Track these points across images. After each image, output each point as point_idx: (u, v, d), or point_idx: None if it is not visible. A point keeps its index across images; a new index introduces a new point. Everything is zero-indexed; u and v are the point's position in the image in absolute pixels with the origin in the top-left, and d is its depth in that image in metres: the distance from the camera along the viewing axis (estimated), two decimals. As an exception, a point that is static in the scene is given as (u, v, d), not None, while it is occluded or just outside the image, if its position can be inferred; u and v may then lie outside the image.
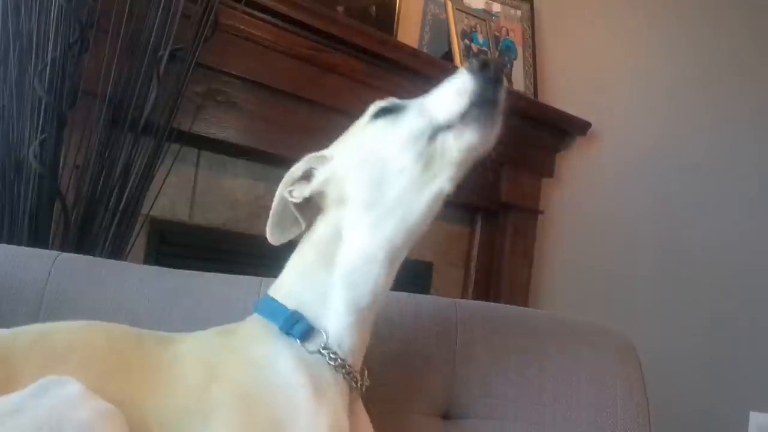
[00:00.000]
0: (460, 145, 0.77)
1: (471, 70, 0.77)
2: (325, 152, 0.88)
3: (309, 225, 0.87)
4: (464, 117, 0.76)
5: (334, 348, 0.81)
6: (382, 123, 0.83)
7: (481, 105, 0.76)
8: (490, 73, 0.76)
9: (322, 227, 0.84)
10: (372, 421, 0.87)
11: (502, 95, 0.77)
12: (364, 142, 0.83)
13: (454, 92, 0.77)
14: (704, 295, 2.80)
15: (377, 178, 0.79)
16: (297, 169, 0.87)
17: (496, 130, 0.78)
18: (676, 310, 2.78)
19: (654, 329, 2.58)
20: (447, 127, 0.77)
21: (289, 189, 0.86)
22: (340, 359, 0.80)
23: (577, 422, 1.02)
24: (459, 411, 1.03)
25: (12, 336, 0.76)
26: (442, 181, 0.78)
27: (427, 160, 0.78)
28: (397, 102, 0.85)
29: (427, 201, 0.79)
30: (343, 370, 0.80)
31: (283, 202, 0.86)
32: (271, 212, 0.87)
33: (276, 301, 0.84)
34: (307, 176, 0.86)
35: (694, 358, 2.76)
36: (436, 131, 0.78)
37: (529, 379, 1.04)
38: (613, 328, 1.14)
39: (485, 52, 2.41)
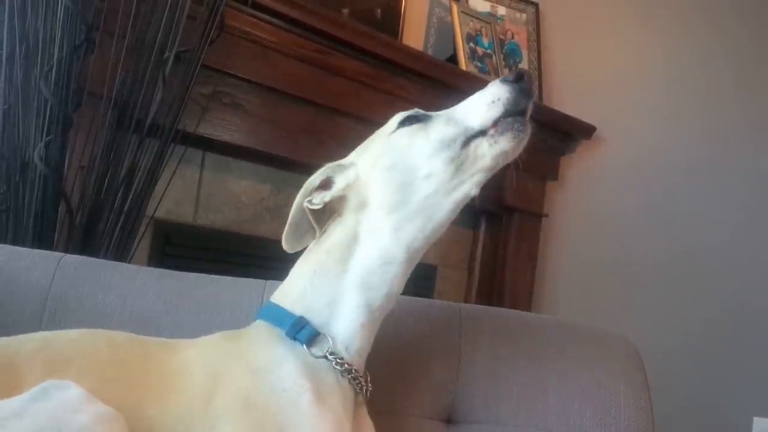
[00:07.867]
0: (495, 151, 0.79)
1: (506, 81, 0.80)
2: (343, 161, 0.88)
3: (323, 232, 0.86)
4: (498, 124, 0.79)
5: (341, 351, 0.81)
6: (410, 129, 0.83)
7: (514, 114, 0.79)
8: (525, 84, 0.79)
9: (338, 231, 0.85)
10: (375, 424, 0.87)
11: (530, 106, 0.80)
12: (392, 147, 0.84)
13: (489, 100, 0.80)
14: (708, 299, 2.79)
15: (404, 183, 0.81)
16: (315, 178, 0.86)
17: (526, 138, 0.80)
18: (680, 314, 2.77)
19: (658, 333, 2.57)
20: (481, 133, 0.79)
21: (307, 198, 0.85)
22: (347, 364, 0.81)
23: (581, 426, 1.01)
24: (462, 415, 1.03)
25: (16, 343, 0.76)
26: (469, 186, 0.81)
27: (458, 165, 0.80)
28: (423, 112, 0.86)
29: (451, 205, 0.81)
30: (349, 375, 0.81)
31: (301, 211, 0.86)
32: (289, 222, 0.86)
33: (281, 308, 0.84)
34: (325, 185, 0.86)
35: (698, 362, 2.75)
36: (469, 138, 0.80)
37: (533, 383, 1.04)
38: (617, 333, 1.14)
39: (490, 56, 2.41)
